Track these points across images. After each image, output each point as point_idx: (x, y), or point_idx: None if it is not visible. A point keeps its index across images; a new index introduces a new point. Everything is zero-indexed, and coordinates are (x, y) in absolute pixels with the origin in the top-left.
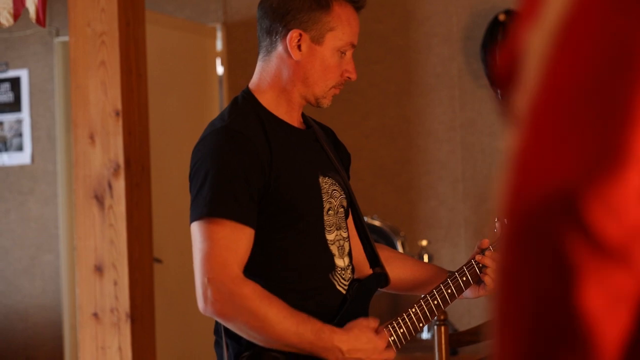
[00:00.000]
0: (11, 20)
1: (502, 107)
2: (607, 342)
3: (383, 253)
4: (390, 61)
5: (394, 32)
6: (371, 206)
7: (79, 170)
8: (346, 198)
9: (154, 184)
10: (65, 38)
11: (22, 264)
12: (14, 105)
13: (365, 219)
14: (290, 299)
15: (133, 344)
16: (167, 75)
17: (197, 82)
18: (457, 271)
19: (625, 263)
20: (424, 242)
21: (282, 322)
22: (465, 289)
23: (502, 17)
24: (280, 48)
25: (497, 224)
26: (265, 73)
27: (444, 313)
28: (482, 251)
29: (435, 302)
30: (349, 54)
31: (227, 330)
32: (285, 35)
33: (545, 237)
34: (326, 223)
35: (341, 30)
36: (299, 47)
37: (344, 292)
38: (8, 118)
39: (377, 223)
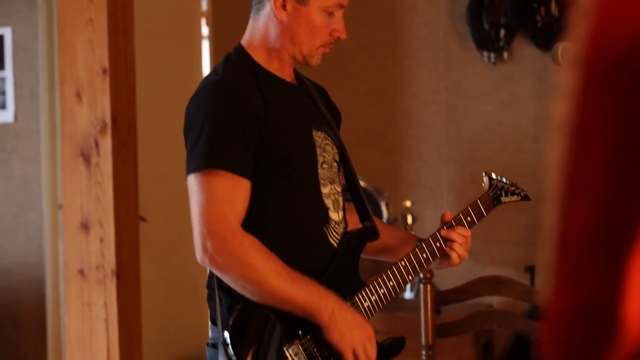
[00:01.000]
0: None
1: None
2: None
3: (355, 216)
4: (376, 23)
5: None
6: (355, 167)
7: (65, 128)
8: (338, 153)
9: (140, 143)
10: None
11: (5, 223)
12: None
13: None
14: (284, 251)
15: (119, 301)
16: (154, 35)
17: (183, 41)
18: (424, 242)
19: None
20: (408, 203)
21: (278, 278)
22: (431, 262)
23: None
24: (267, 7)
25: (485, 179)
26: (256, 31)
27: (430, 272)
28: (444, 225)
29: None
30: (338, 14)
31: (220, 283)
32: None
33: (630, 75)
34: (320, 176)
35: None
36: (284, 7)
37: (336, 245)
38: None
39: (361, 184)
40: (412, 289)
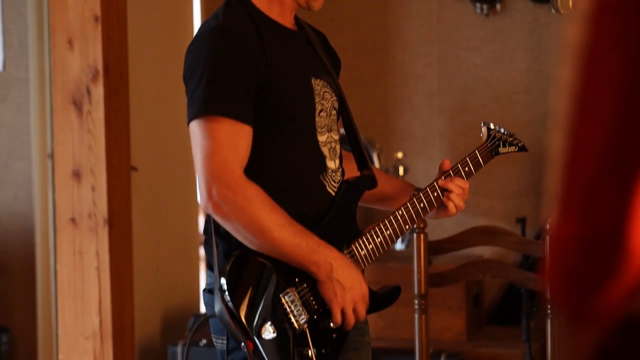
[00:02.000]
0: None
1: None
2: None
3: (353, 164)
4: None
5: None
6: None
7: (57, 76)
8: (337, 100)
9: (131, 92)
10: None
11: None
12: None
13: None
14: (281, 199)
15: (110, 249)
16: None
17: None
18: (421, 192)
19: None
20: (399, 155)
21: (279, 229)
22: (428, 212)
23: None
24: None
25: (483, 129)
26: None
27: (424, 222)
28: (442, 174)
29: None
30: None
31: (217, 229)
32: None
33: None
34: (318, 124)
35: None
36: None
37: (333, 193)
38: None
39: None
40: (402, 240)
